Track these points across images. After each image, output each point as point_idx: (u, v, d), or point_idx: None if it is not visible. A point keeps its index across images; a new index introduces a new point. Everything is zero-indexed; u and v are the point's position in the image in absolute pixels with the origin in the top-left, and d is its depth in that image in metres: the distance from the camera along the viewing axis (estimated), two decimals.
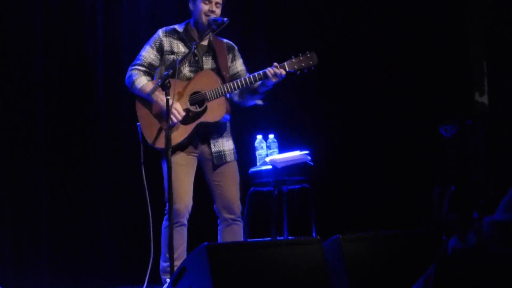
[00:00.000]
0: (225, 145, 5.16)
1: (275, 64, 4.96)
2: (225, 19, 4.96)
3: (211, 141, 5.11)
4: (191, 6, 5.15)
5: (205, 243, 3.82)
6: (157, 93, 4.95)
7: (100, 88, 6.86)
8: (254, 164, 6.15)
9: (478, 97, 7.47)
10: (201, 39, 5.07)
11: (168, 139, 4.64)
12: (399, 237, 4.26)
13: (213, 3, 5.04)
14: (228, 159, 5.15)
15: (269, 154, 6.24)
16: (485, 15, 7.48)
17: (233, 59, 5.22)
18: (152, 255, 5.01)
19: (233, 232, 5.15)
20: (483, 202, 6.57)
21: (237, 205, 5.17)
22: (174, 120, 4.94)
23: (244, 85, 4.99)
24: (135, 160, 5.27)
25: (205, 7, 5.04)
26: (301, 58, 5.01)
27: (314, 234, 6.22)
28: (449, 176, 6.87)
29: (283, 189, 6.26)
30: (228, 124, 5.22)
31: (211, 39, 5.16)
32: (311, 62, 5.01)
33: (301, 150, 6.11)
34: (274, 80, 4.95)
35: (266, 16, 7.50)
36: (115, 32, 6.98)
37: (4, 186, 6.49)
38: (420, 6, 7.45)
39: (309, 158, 6.07)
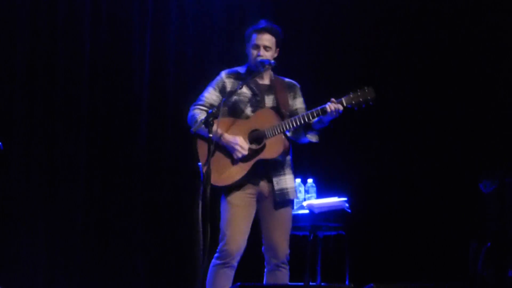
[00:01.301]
0: (288, 182, 5.15)
1: (333, 99, 4.97)
2: (272, 61, 5.09)
3: (273, 179, 5.11)
4: (246, 49, 5.26)
5: (239, 283, 3.84)
6: (218, 130, 4.95)
7: (144, 120, 7.01)
8: (291, 208, 6.15)
9: None
10: (251, 79, 5.12)
11: (208, 176, 4.65)
12: None
13: (261, 47, 5.14)
14: (291, 196, 5.14)
15: (307, 198, 6.27)
16: None
17: (294, 97, 5.27)
18: None
19: (275, 277, 5.13)
20: None
21: (283, 250, 5.13)
22: (239, 155, 4.99)
23: (303, 122, 5.01)
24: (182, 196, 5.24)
25: (254, 52, 5.16)
26: (359, 93, 5.02)
27: (347, 282, 6.20)
28: (486, 232, 6.82)
29: (318, 235, 6.27)
30: (290, 163, 5.22)
31: (273, 78, 5.24)
32: (369, 97, 5.01)
33: (339, 196, 6.13)
34: (332, 116, 4.96)
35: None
36: (161, 57, 7.15)
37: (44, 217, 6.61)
38: (468, 58, 7.46)
39: (346, 205, 6.08)
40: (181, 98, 6.65)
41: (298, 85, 5.34)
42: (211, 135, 4.72)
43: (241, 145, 5.00)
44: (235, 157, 5.00)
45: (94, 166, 6.88)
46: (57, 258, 6.69)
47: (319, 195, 6.29)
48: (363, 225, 7.13)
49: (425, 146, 7.45)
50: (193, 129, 4.98)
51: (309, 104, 5.20)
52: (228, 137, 4.98)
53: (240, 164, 5.04)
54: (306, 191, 6.31)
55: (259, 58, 5.12)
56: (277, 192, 5.10)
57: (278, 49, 5.22)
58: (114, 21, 7.07)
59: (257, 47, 5.15)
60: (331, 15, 7.66)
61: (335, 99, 4.99)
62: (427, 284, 4.26)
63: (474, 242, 6.74)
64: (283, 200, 5.13)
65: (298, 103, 5.27)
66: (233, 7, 7.50)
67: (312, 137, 5.20)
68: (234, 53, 5.38)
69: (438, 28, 7.56)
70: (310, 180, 6.34)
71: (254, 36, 5.16)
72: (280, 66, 5.18)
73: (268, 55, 5.14)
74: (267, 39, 5.16)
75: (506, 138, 7.39)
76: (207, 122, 4.74)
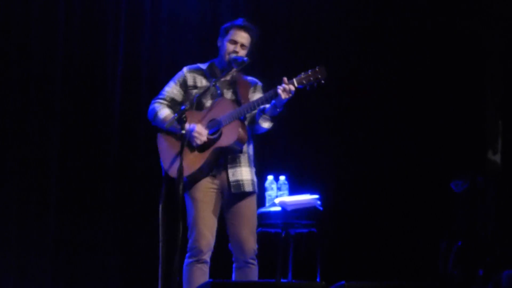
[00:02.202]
0: (244, 174, 5.11)
1: (284, 79, 4.92)
2: (245, 59, 5.08)
3: (228, 170, 5.09)
4: (219, 42, 5.24)
5: (211, 279, 3.83)
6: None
7: (116, 114, 7.01)
8: (263, 205, 6.15)
9: (491, 155, 7.48)
10: (222, 76, 5.13)
11: (180, 173, 4.66)
12: None
13: (239, 44, 5.14)
14: (246, 189, 5.09)
15: (279, 195, 6.25)
16: (504, 73, 7.53)
17: (254, 91, 5.25)
18: None
19: (244, 274, 5.09)
20: (489, 260, 6.56)
21: (249, 247, 5.10)
22: (198, 142, 4.98)
23: (256, 106, 4.99)
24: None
25: (230, 47, 5.14)
26: (309, 73, 4.97)
27: (318, 279, 6.21)
28: (457, 231, 6.87)
29: (290, 232, 6.27)
30: (248, 155, 5.18)
31: (234, 74, 5.23)
32: (319, 76, 4.94)
33: (311, 194, 6.13)
34: (283, 96, 4.88)
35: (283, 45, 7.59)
36: (134, 55, 7.13)
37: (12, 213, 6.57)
38: (439, 61, 7.51)
39: (319, 202, 6.09)
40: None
41: (260, 83, 5.33)
42: (183, 132, 4.74)
43: (199, 131, 4.98)
44: (194, 144, 4.99)
45: (65, 164, 6.85)
46: (28, 260, 6.65)
47: (292, 192, 6.28)
48: (335, 223, 7.15)
49: (397, 145, 7.48)
50: (166, 125, 4.99)
51: None
52: (186, 126, 4.91)
53: (198, 154, 5.03)
54: (279, 188, 6.30)
55: (233, 55, 5.12)
56: (232, 183, 5.07)
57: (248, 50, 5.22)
58: (88, 20, 7.04)
59: (234, 42, 5.14)
60: (306, 13, 7.65)
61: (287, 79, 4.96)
62: (398, 282, 4.28)
63: (444, 241, 6.78)
64: (240, 193, 5.09)
65: (257, 96, 5.21)
66: (205, 5, 7.49)
67: (265, 124, 5.10)
68: (207, 52, 5.36)
69: (412, 27, 7.59)
70: (282, 177, 6.33)
71: (233, 31, 5.16)
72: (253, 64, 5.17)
73: (242, 53, 5.14)
74: (245, 37, 5.16)
75: (477, 137, 7.46)
76: (180, 119, 4.75)
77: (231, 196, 5.10)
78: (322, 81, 4.96)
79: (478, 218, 6.82)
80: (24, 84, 6.78)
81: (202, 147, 5.02)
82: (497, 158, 7.45)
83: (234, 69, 5.16)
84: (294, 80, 4.96)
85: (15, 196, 6.66)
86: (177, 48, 7.28)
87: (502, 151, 7.46)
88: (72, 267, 6.78)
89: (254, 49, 5.24)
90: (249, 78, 5.32)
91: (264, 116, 5.07)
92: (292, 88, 4.92)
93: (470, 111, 7.49)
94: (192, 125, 4.99)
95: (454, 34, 7.52)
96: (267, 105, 5.02)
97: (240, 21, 5.21)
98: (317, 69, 4.97)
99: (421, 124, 7.47)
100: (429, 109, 7.48)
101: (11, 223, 6.61)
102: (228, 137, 5.00)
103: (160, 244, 4.89)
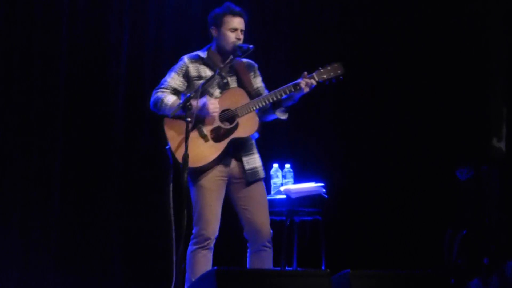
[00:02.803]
0: (257, 161, 5.13)
1: (305, 73, 4.97)
2: (251, 46, 5.03)
3: (243, 159, 5.09)
4: (213, 32, 5.18)
5: (215, 267, 3.83)
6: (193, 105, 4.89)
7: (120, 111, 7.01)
8: (268, 193, 6.15)
9: (496, 143, 7.47)
10: (224, 63, 5.11)
11: (185, 161, 4.66)
12: (408, 277, 4.28)
13: (239, 31, 5.12)
14: (261, 175, 5.12)
15: (284, 183, 6.27)
16: (507, 61, 7.52)
17: (254, 76, 5.25)
18: (174, 281, 4.88)
19: (261, 258, 5.09)
20: (493, 248, 6.56)
21: (266, 231, 5.10)
22: (213, 114, 4.96)
23: (275, 98, 5.00)
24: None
25: (231, 35, 5.10)
26: (328, 68, 5.04)
27: (323, 267, 6.23)
28: (461, 220, 6.87)
29: (295, 220, 6.28)
30: (254, 141, 5.20)
31: (233, 60, 5.22)
32: (339, 71, 5.05)
33: (316, 182, 6.14)
34: (306, 90, 4.96)
35: (290, 34, 7.59)
36: (139, 50, 7.14)
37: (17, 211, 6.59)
38: (442, 49, 7.49)
39: (323, 190, 6.10)
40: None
41: (255, 64, 5.32)
42: (189, 119, 4.72)
43: (211, 102, 4.96)
44: (210, 119, 4.98)
45: (69, 158, 6.86)
46: (32, 256, 6.66)
47: (297, 180, 6.29)
48: (340, 211, 7.16)
49: (402, 134, 7.48)
50: (171, 113, 4.94)
51: (280, 83, 5.13)
52: (196, 103, 4.87)
53: (214, 144, 5.02)
54: (284, 176, 6.32)
55: (238, 42, 5.09)
56: (248, 172, 5.08)
57: None
58: (92, 17, 7.03)
59: (234, 30, 5.10)
60: (310, 8, 7.64)
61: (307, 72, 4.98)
62: (402, 271, 4.29)
63: (449, 229, 6.78)
64: (255, 180, 5.10)
65: (258, 81, 5.26)
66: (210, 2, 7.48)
67: (281, 115, 5.14)
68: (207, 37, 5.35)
69: (414, 23, 7.58)
70: (287, 165, 6.34)
71: (229, 19, 5.11)
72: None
73: (242, 38, 5.13)
74: (242, 22, 5.14)
75: (481, 125, 7.45)
76: (185, 106, 4.74)
77: (244, 183, 5.10)
78: (341, 78, 5.04)
79: (483, 206, 6.82)
80: (28, 78, 6.77)
81: (217, 137, 5.01)
82: (502, 145, 7.44)
83: (241, 56, 5.14)
84: (314, 74, 5.01)
85: (19, 187, 6.67)
86: (181, 45, 7.26)
87: (507, 138, 7.46)
88: (76, 257, 6.78)
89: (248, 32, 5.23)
90: (245, 60, 5.27)
91: (281, 108, 5.12)
92: (314, 82, 4.98)
93: (474, 99, 7.48)
94: (202, 99, 4.94)
95: (456, 23, 7.50)
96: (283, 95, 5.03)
97: (232, 7, 5.16)
98: (335, 65, 5.04)
99: (425, 112, 7.47)
100: (433, 97, 7.47)
101: (15, 213, 6.62)
102: (246, 129, 5.02)
103: (174, 234, 4.83)
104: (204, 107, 4.94)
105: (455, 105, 7.44)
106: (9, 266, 6.54)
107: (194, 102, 4.85)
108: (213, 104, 4.97)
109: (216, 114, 4.98)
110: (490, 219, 6.75)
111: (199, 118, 4.98)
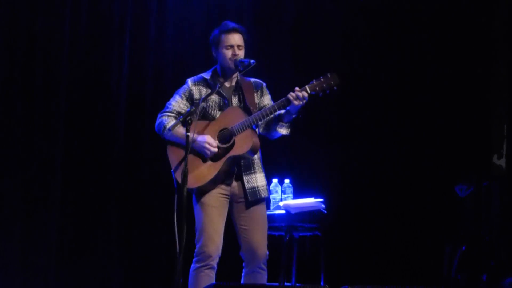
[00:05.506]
0: (258, 180, 5.13)
1: (296, 88, 4.95)
2: (252, 60, 5.02)
3: (244, 178, 5.11)
4: (214, 53, 5.21)
5: (214, 282, 3.82)
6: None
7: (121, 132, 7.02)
8: (268, 208, 6.13)
9: (496, 160, 7.48)
10: (227, 80, 5.12)
11: (184, 175, 4.65)
12: None
13: (235, 47, 5.11)
14: (262, 195, 5.12)
15: (284, 198, 6.25)
16: (509, 77, 7.53)
17: (261, 95, 5.25)
18: None
19: (254, 280, 5.09)
20: (493, 264, 6.54)
21: (261, 252, 5.10)
22: (209, 153, 4.99)
23: (269, 114, 4.99)
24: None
25: (228, 53, 5.11)
26: (322, 79, 4.99)
27: (322, 283, 6.20)
28: (461, 236, 6.85)
29: (294, 235, 6.26)
30: (259, 161, 5.20)
31: (238, 79, 5.22)
32: (332, 83, 4.97)
33: (315, 197, 6.13)
34: (296, 103, 4.92)
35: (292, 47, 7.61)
36: (140, 61, 7.19)
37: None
38: (444, 65, 7.51)
39: (323, 206, 6.08)
40: (160, 102, 6.65)
41: (263, 83, 5.32)
42: (188, 134, 4.72)
43: (209, 142, 4.98)
44: (205, 156, 5.00)
45: (70, 167, 6.88)
46: (32, 262, 6.67)
47: (296, 195, 6.28)
48: (339, 227, 7.14)
49: (402, 149, 7.47)
50: (171, 126, 4.99)
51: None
52: (196, 137, 4.96)
53: (211, 164, 5.03)
54: (283, 191, 6.30)
55: (238, 58, 5.08)
56: (248, 191, 5.09)
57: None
58: (94, 22, 7.09)
59: (231, 47, 5.10)
60: (311, 14, 7.64)
61: (299, 87, 4.96)
62: (401, 287, 4.27)
63: (448, 245, 6.77)
64: (256, 199, 5.11)
65: (266, 100, 5.25)
66: (213, 7, 7.49)
67: (282, 130, 5.14)
68: (213, 59, 5.36)
69: (413, 32, 7.59)
70: (287, 181, 6.33)
71: (224, 37, 5.11)
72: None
73: (241, 53, 5.12)
74: (237, 38, 5.13)
75: (482, 142, 7.45)
76: (185, 121, 4.75)
77: (244, 202, 5.11)
78: (335, 88, 4.98)
79: (482, 222, 6.81)
80: (30, 81, 6.82)
81: (215, 157, 5.03)
82: (502, 162, 7.45)
83: (237, 73, 5.15)
84: (307, 86, 4.98)
85: (20, 194, 6.69)
86: (182, 50, 7.29)
87: (507, 155, 7.46)
88: (75, 265, 6.78)
89: (250, 46, 5.23)
90: (253, 80, 5.29)
91: (281, 123, 5.11)
92: (305, 94, 4.94)
93: (475, 116, 7.49)
94: (201, 137, 5.00)
95: (459, 38, 7.51)
96: (283, 111, 5.04)
97: (226, 24, 5.17)
98: (329, 76, 4.98)
99: (426, 128, 7.47)
100: (434, 113, 7.47)
101: (15, 219, 6.63)
102: (241, 146, 5.01)
103: (179, 257, 4.77)
104: (202, 144, 4.98)
105: (456, 122, 7.44)
106: (9, 266, 6.55)
107: (192, 134, 4.83)
108: (210, 144, 4.99)
109: (211, 154, 5.00)
110: (489, 235, 6.74)
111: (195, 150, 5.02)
